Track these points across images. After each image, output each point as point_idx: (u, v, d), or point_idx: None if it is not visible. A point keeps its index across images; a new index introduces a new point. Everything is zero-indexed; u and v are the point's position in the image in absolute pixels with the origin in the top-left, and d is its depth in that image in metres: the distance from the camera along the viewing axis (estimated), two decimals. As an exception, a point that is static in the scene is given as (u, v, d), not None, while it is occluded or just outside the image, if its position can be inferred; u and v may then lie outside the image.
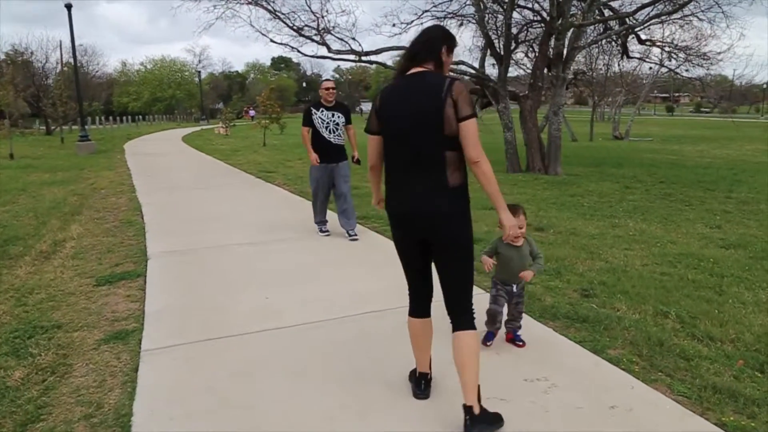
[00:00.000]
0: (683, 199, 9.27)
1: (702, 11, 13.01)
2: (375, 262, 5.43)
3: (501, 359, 3.26)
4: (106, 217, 7.75)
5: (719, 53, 15.03)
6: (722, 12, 12.67)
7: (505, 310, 3.43)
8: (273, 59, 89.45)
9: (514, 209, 2.91)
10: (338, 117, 6.26)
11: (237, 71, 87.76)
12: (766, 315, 4.00)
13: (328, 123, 6.22)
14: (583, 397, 2.78)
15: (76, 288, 4.67)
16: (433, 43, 2.55)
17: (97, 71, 54.87)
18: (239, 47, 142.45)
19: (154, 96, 62.81)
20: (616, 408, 2.70)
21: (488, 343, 3.42)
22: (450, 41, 2.59)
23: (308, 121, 6.25)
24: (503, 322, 3.46)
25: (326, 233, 6.45)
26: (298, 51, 13.12)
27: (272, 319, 3.88)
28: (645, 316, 3.93)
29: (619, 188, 10.49)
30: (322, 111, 6.23)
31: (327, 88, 6.28)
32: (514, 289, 3.38)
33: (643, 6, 12.21)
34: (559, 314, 3.92)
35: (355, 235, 6.37)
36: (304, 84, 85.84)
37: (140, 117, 55.86)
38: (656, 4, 12.26)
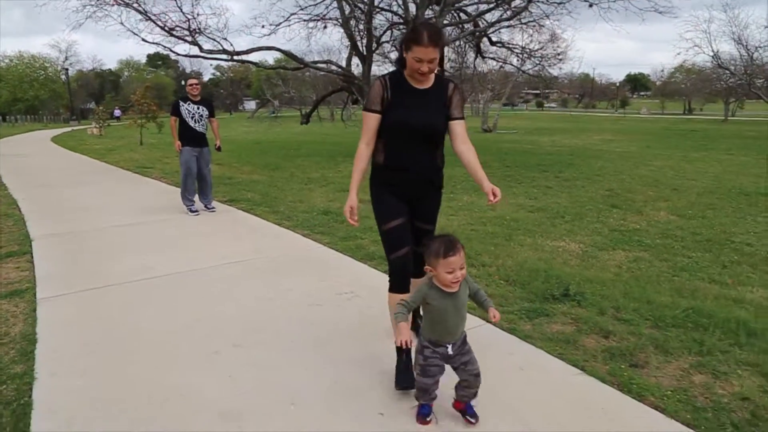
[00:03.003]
0: (518, 178, 10.94)
1: (535, 20, 15.17)
2: (237, 233, 6.41)
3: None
4: (-20, 212, 7.97)
5: (558, 55, 17.51)
6: (550, 23, 14.92)
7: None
8: (149, 56, 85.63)
9: (450, 244, 2.36)
10: (203, 110, 7.40)
11: (110, 69, 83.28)
12: (533, 252, 5.44)
13: (194, 114, 7.32)
14: (378, 302, 3.91)
15: (-36, 266, 5.16)
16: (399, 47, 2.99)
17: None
18: (110, 43, 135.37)
19: (14, 96, 58.12)
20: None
21: (428, 420, 2.49)
22: (405, 41, 2.84)
23: (176, 112, 7.34)
24: (455, 387, 2.54)
25: (195, 213, 7.36)
26: (171, 50, 13.63)
27: (147, 272, 4.76)
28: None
29: (467, 172, 12.04)
30: (189, 104, 7.34)
31: (191, 85, 7.48)
32: (450, 350, 2.45)
33: (483, 12, 14.00)
34: (376, 256, 5.14)
35: (213, 207, 7.63)
36: (183, 82, 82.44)
37: (0, 118, 51.76)
38: (495, 11, 14.09)
